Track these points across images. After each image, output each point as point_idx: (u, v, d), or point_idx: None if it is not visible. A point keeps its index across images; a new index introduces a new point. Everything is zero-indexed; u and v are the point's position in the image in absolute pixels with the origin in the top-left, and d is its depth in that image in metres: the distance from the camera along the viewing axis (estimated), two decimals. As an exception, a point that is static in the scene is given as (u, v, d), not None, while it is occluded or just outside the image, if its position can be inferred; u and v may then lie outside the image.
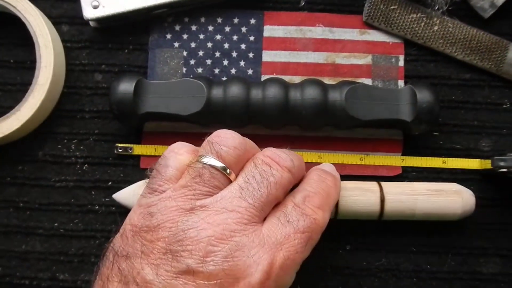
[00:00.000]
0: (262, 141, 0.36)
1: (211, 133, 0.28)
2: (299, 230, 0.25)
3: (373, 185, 0.33)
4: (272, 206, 0.26)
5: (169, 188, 0.25)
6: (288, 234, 0.24)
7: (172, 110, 0.33)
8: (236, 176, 0.26)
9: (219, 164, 0.25)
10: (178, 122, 0.35)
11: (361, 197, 0.32)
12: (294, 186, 0.28)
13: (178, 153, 0.26)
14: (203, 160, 0.25)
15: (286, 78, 0.35)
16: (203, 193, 0.24)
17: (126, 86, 0.32)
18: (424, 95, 0.33)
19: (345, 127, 0.34)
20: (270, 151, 0.27)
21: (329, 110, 0.33)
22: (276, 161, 0.26)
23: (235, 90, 0.33)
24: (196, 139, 0.35)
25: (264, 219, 0.25)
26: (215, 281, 0.22)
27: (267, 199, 0.25)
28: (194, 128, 0.35)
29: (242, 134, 0.35)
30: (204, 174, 0.25)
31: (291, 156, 0.27)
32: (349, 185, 0.32)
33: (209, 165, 0.25)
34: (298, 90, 0.33)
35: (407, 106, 0.33)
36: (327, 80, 0.36)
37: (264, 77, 0.36)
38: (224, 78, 0.36)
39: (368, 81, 0.36)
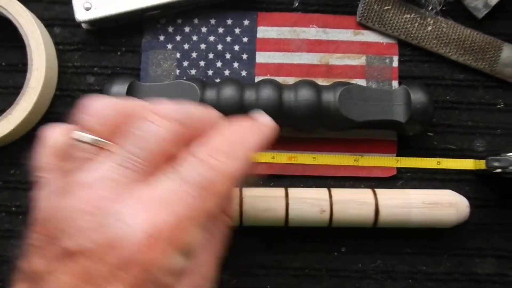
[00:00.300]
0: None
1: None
2: (192, 182, 0.21)
3: (368, 196, 0.33)
4: (159, 164, 0.22)
5: (46, 175, 0.23)
6: (177, 189, 0.21)
7: None
8: (115, 143, 0.23)
9: (85, 136, 0.23)
10: None
11: (355, 210, 0.32)
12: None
13: (44, 138, 0.24)
14: (71, 136, 0.23)
15: (280, 79, 0.35)
16: (76, 168, 0.22)
17: (119, 89, 0.32)
18: (418, 96, 0.32)
19: (339, 128, 0.34)
20: (151, 105, 0.23)
21: (323, 111, 0.33)
22: (157, 114, 0.23)
23: (229, 92, 0.32)
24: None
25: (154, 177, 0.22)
26: (94, 257, 0.20)
27: (148, 159, 0.22)
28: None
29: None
30: (72, 151, 0.23)
31: (183, 107, 0.24)
32: (344, 197, 0.32)
33: (77, 139, 0.23)
34: (291, 92, 0.33)
35: (401, 107, 0.33)
36: (321, 81, 0.36)
37: (257, 79, 0.36)
38: (218, 80, 0.36)
39: (362, 82, 0.36)
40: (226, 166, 0.22)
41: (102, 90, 0.33)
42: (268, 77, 0.36)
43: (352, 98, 0.33)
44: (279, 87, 0.33)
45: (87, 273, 0.20)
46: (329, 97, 0.33)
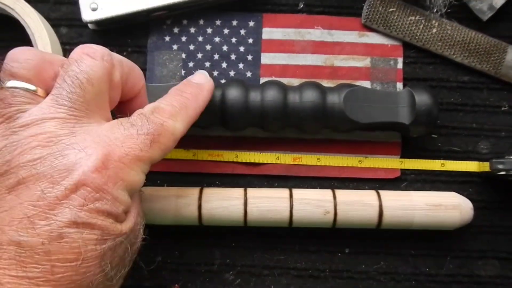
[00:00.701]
0: (261, 144, 0.36)
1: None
2: (142, 132, 0.25)
3: (372, 197, 0.33)
4: (103, 104, 0.25)
5: None
6: (130, 134, 0.24)
7: None
8: (46, 89, 0.25)
9: (15, 82, 0.24)
10: None
11: (360, 212, 0.32)
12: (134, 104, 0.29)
13: None
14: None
15: (285, 80, 0.35)
16: (14, 114, 0.23)
17: None
18: (422, 98, 0.33)
19: (344, 130, 0.34)
20: (80, 46, 0.25)
21: (327, 113, 0.33)
22: (85, 53, 0.25)
23: (234, 93, 0.32)
24: (195, 141, 0.35)
25: (103, 121, 0.25)
26: (47, 179, 0.22)
27: (86, 98, 0.24)
28: (192, 131, 0.35)
29: (241, 137, 0.36)
30: (5, 97, 0.24)
31: (107, 49, 0.26)
32: (348, 198, 0.32)
33: (7, 87, 0.24)
34: (296, 93, 0.33)
35: (405, 109, 0.33)
36: (326, 83, 0.36)
37: (262, 80, 0.36)
38: (223, 81, 0.36)
39: (366, 84, 0.36)
40: (170, 125, 0.26)
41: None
42: (273, 78, 0.36)
43: (357, 100, 0.33)
44: (284, 89, 0.33)
45: (40, 196, 0.22)
46: (334, 99, 0.33)
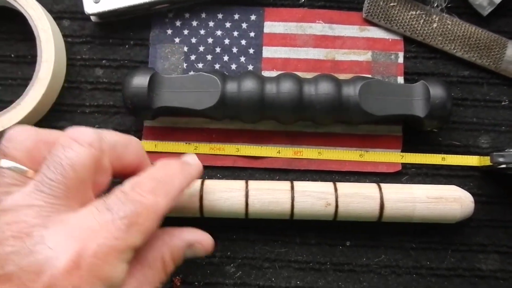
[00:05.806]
0: (262, 138, 0.36)
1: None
2: (118, 216, 0.22)
3: (373, 190, 0.33)
4: (84, 190, 0.24)
5: None
6: (105, 221, 0.22)
7: (186, 104, 0.33)
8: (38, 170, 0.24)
9: (6, 161, 0.23)
10: (192, 117, 0.35)
11: (361, 204, 0.32)
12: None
13: None
14: None
15: (286, 74, 0.35)
16: (0, 195, 0.23)
17: (140, 80, 0.32)
18: (437, 91, 0.33)
19: (358, 123, 0.34)
20: (69, 130, 0.24)
21: (343, 105, 0.33)
22: (74, 139, 0.24)
23: (249, 85, 0.32)
24: (196, 135, 0.36)
25: (81, 206, 0.24)
26: (19, 281, 0.20)
27: (68, 185, 0.23)
28: (199, 123, 0.35)
29: (242, 131, 0.36)
30: None
31: (102, 132, 0.25)
32: (349, 191, 0.33)
33: None
34: (312, 85, 0.33)
35: (420, 102, 0.33)
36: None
37: (264, 73, 0.36)
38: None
39: (368, 78, 0.36)
40: (151, 202, 0.23)
41: (122, 82, 0.33)
42: (287, 72, 0.35)
43: (372, 93, 0.33)
44: (300, 81, 0.33)
45: None
46: (349, 91, 0.33)
